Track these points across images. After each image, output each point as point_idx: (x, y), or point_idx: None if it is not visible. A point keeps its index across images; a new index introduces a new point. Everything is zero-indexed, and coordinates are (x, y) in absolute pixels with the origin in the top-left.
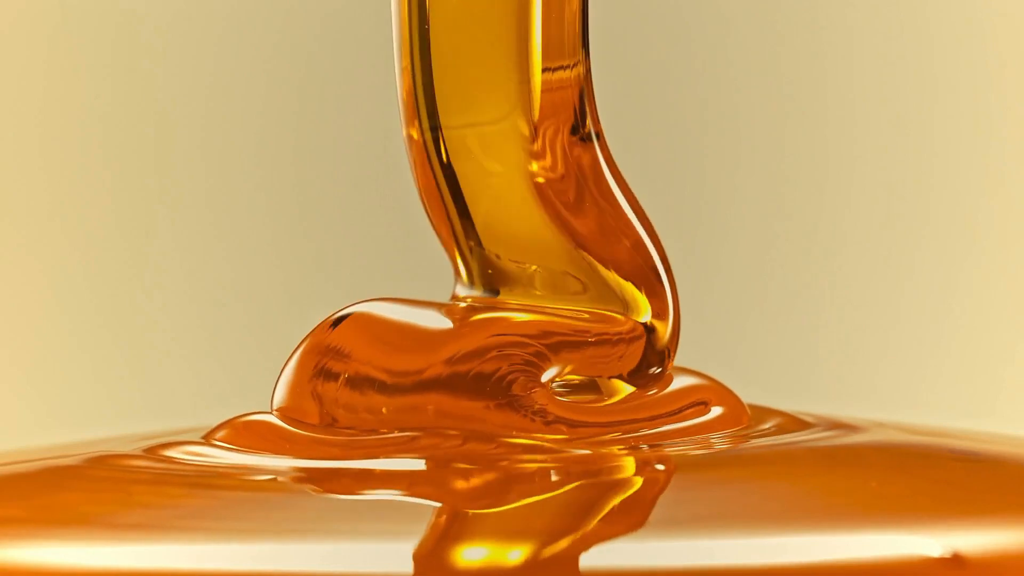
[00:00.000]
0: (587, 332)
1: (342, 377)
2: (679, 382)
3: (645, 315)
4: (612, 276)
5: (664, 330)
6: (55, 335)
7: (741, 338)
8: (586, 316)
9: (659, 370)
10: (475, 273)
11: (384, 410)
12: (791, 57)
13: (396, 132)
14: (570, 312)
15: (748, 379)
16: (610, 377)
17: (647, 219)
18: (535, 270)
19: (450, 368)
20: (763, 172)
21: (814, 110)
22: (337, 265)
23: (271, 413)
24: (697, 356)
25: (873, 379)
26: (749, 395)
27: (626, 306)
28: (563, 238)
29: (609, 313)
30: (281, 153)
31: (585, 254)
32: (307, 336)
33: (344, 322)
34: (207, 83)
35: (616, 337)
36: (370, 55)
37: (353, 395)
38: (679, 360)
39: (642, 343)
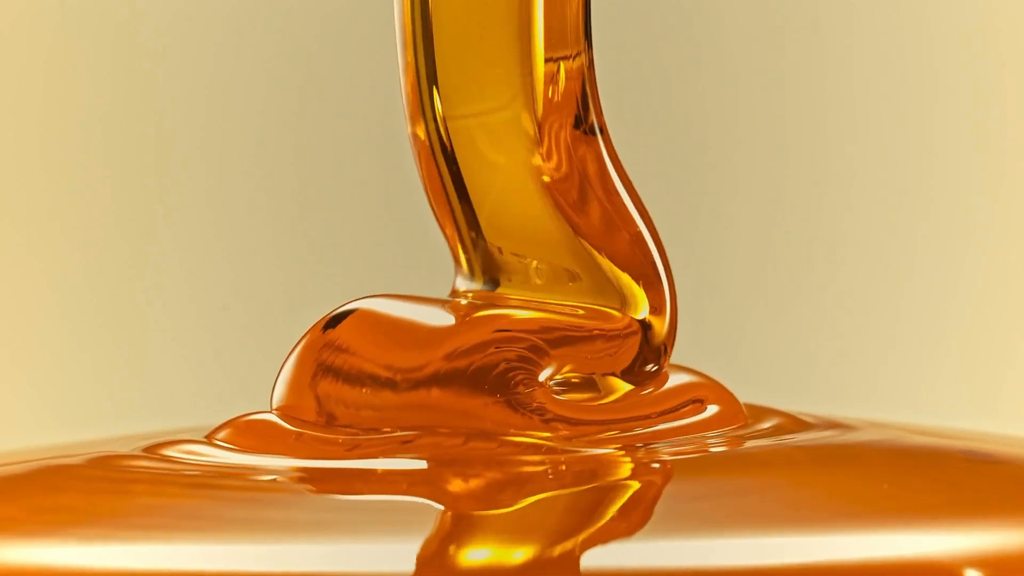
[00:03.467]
0: (583, 328)
1: (342, 373)
2: (675, 380)
3: (642, 311)
4: (611, 269)
5: (661, 326)
6: (55, 335)
7: (741, 338)
8: (582, 312)
9: (655, 367)
10: (476, 266)
11: (384, 407)
12: (791, 56)
13: (396, 132)
14: (567, 308)
15: (748, 379)
16: (605, 374)
17: (647, 214)
18: (536, 265)
19: (450, 364)
20: (763, 172)
21: (814, 110)
22: (337, 265)
23: (272, 412)
24: (697, 356)
25: (873, 379)
26: (749, 395)
27: (623, 301)
28: (565, 231)
29: (606, 309)
30: (281, 153)
31: (586, 244)
32: (307, 332)
33: (346, 319)
34: (207, 83)
35: (612, 332)
36: (370, 55)
37: (353, 391)
38: (679, 359)
39: (638, 339)
